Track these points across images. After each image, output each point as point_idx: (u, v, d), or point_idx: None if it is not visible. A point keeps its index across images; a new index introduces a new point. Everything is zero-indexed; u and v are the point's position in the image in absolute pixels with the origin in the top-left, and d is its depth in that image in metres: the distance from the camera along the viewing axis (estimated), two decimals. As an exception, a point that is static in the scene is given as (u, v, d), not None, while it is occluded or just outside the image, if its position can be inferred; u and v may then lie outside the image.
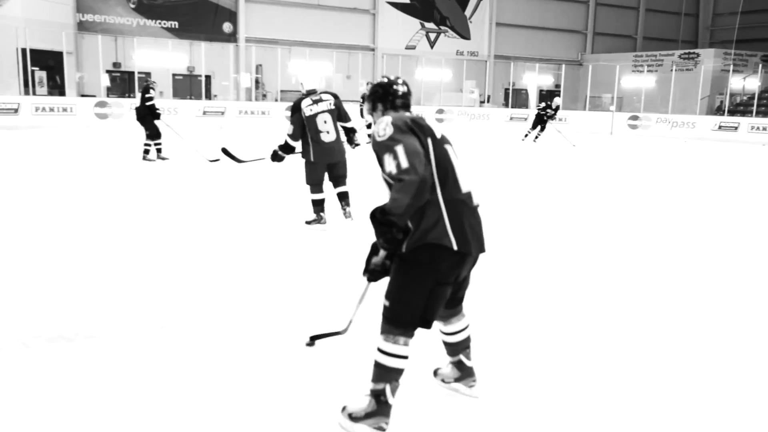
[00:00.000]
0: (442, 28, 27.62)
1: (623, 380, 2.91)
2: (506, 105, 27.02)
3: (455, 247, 2.30)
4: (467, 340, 2.69)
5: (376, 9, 26.10)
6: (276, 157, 5.73)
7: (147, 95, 10.44)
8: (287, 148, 5.70)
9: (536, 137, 17.16)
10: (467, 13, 27.92)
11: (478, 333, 2.89)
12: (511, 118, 24.15)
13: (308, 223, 5.95)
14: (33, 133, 15.16)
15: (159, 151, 10.62)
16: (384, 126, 2.31)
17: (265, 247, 5.23)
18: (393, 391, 2.39)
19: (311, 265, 4.73)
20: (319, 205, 5.87)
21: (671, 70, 24.87)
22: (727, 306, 4.05)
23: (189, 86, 23.08)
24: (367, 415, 2.39)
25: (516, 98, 27.60)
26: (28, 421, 2.42)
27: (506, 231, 5.84)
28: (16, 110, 16.82)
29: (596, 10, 30.12)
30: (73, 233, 5.44)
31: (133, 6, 22.05)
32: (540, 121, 17.03)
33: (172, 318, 3.48)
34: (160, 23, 22.51)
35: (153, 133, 10.51)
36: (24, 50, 18.25)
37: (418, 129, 2.35)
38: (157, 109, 10.51)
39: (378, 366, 2.39)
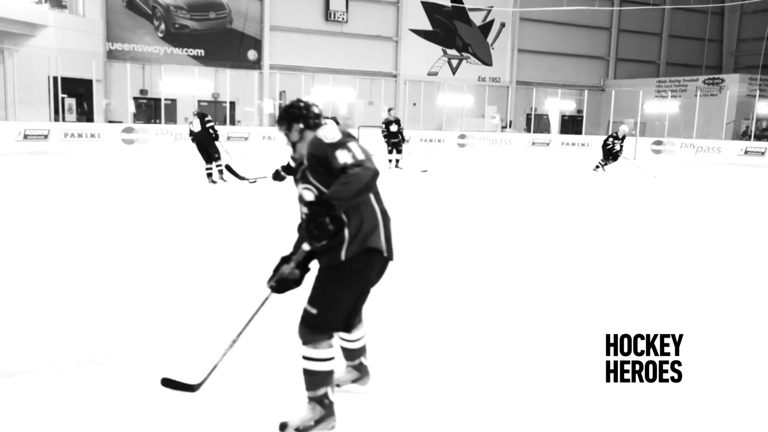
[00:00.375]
0: (464, 54, 27.81)
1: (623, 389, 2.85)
2: (528, 130, 27.01)
3: (385, 253, 2.44)
4: (365, 345, 2.84)
5: (399, 36, 26.40)
6: (278, 176, 5.91)
7: (207, 119, 11.10)
8: (289, 169, 5.84)
9: (600, 166, 15.93)
10: (489, 39, 28.11)
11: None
12: (533, 144, 24.12)
13: None
14: (62, 158, 15.49)
15: (221, 172, 11.13)
16: (332, 130, 2.43)
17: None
18: (332, 391, 2.50)
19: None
20: None
21: (695, 96, 24.70)
22: (738, 335, 3.96)
23: (214, 112, 23.44)
24: (318, 421, 2.47)
25: (538, 123, 27.59)
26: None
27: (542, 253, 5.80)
28: (46, 136, 17.23)
29: (618, 36, 30.12)
30: (108, 255, 5.51)
31: (161, 35, 22.58)
32: (609, 152, 15.79)
33: (186, 344, 3.50)
34: (186, 51, 22.99)
35: (216, 156, 11.08)
36: (56, 78, 18.72)
37: (351, 139, 2.44)
38: (217, 132, 11.26)
39: (311, 374, 2.47)
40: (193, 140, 11.13)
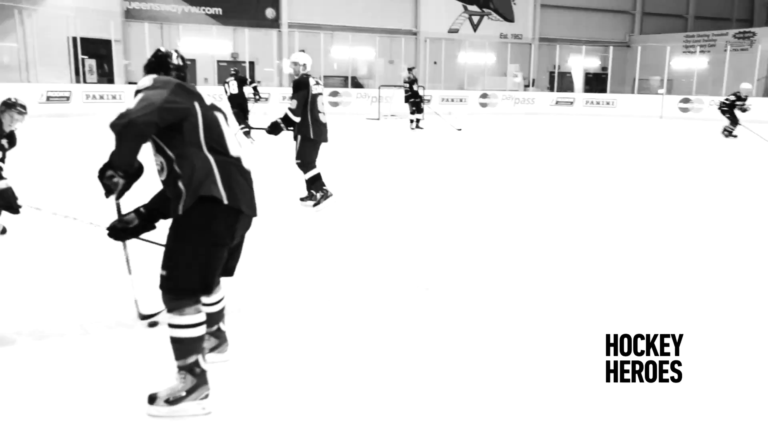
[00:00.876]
0: (486, 10, 27.18)
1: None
2: (551, 89, 26.50)
3: (225, 200, 2.30)
4: (224, 308, 2.72)
5: (418, -8, 25.84)
6: (275, 128, 5.87)
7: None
8: (288, 122, 5.82)
9: (729, 132, 14.63)
10: (511, -6, 27.42)
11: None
12: (557, 102, 23.71)
13: (303, 200, 6.12)
14: (84, 121, 15.53)
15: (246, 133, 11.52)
16: (147, 80, 2.40)
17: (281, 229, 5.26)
18: (204, 357, 2.41)
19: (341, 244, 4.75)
20: (318, 181, 6.04)
21: (725, 51, 23.97)
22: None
23: (233, 73, 23.35)
24: (189, 391, 2.37)
25: (561, 82, 27.00)
26: (92, 403, 2.47)
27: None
28: (68, 98, 17.25)
29: (646, -11, 29.19)
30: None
31: (178, -7, 22.34)
32: (731, 113, 14.55)
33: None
34: (204, 10, 22.74)
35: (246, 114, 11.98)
36: (75, 39, 18.65)
37: (185, 91, 2.39)
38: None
39: (178, 341, 2.36)
40: (230, 102, 11.77)
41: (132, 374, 2.70)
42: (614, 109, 23.16)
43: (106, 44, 19.84)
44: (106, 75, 20.76)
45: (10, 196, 4.42)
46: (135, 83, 14.96)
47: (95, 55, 20.37)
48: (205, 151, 2.35)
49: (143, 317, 3.13)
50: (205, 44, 22.10)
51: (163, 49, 2.69)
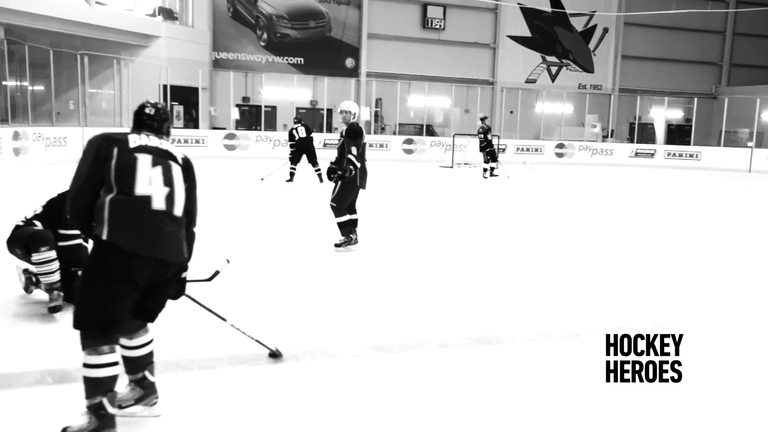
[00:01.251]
0: (564, 61, 27.05)
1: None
2: (630, 140, 25.87)
3: (104, 237, 2.36)
4: (150, 355, 2.64)
5: (496, 43, 26.04)
6: (334, 174, 6.03)
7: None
8: (346, 168, 5.92)
9: None
10: (591, 45, 27.21)
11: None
12: (636, 154, 23.10)
13: (337, 245, 6.16)
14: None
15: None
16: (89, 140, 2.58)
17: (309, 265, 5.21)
18: (111, 401, 2.37)
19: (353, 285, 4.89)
20: (351, 225, 6.16)
21: (820, 103, 22.79)
22: None
23: (312, 119, 24.03)
24: None
25: (642, 133, 26.33)
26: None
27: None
28: (155, 141, 18.15)
29: (734, 39, 28.36)
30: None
31: (263, 44, 23.38)
32: None
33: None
34: (287, 59, 23.67)
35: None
36: (165, 86, 19.74)
37: (109, 142, 2.52)
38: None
39: (87, 381, 2.35)
40: (298, 145, 12.60)
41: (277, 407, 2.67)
42: (698, 162, 22.33)
43: (194, 91, 20.89)
44: (192, 120, 21.78)
45: (82, 252, 3.98)
46: (219, 128, 16.00)
47: (183, 101, 21.46)
48: (113, 194, 2.44)
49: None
50: (286, 92, 22.93)
51: (145, 102, 2.80)
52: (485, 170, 15.53)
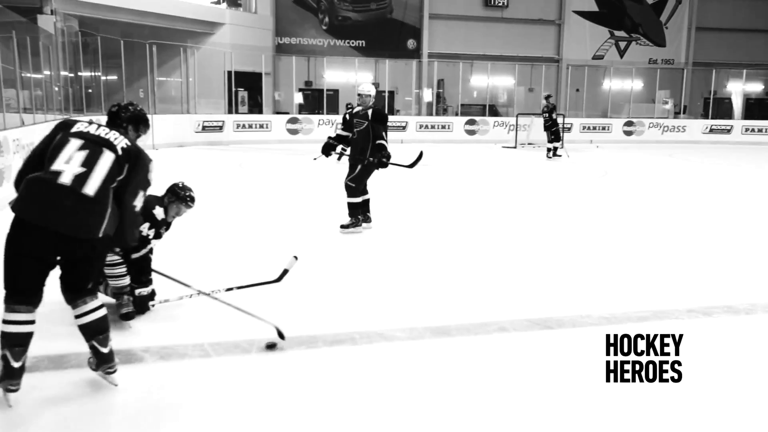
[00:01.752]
0: (634, 35, 26.04)
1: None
2: (705, 116, 24.72)
3: (10, 206, 2.61)
4: (95, 324, 2.74)
5: (562, 19, 25.31)
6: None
7: None
8: (387, 153, 6.03)
9: None
10: (662, 18, 26.08)
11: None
12: (711, 130, 22.09)
13: (345, 227, 6.15)
14: (234, 147, 16.65)
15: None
16: None
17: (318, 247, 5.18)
18: (15, 356, 2.56)
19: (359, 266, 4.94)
20: (364, 206, 6.20)
21: None
22: None
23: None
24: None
25: (717, 108, 25.11)
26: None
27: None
28: (221, 127, 18.61)
29: (819, 6, 26.57)
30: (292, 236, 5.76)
31: (324, 28, 23.51)
32: None
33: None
34: (348, 42, 23.73)
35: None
36: (230, 72, 20.14)
37: (60, 127, 2.78)
38: None
39: (2, 334, 2.58)
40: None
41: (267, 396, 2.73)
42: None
43: (258, 77, 21.23)
44: (256, 105, 22.17)
45: (146, 299, 3.73)
46: (282, 113, 16.17)
47: (248, 87, 21.85)
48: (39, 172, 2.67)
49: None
50: (347, 75, 23.00)
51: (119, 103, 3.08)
52: (548, 150, 15.20)
